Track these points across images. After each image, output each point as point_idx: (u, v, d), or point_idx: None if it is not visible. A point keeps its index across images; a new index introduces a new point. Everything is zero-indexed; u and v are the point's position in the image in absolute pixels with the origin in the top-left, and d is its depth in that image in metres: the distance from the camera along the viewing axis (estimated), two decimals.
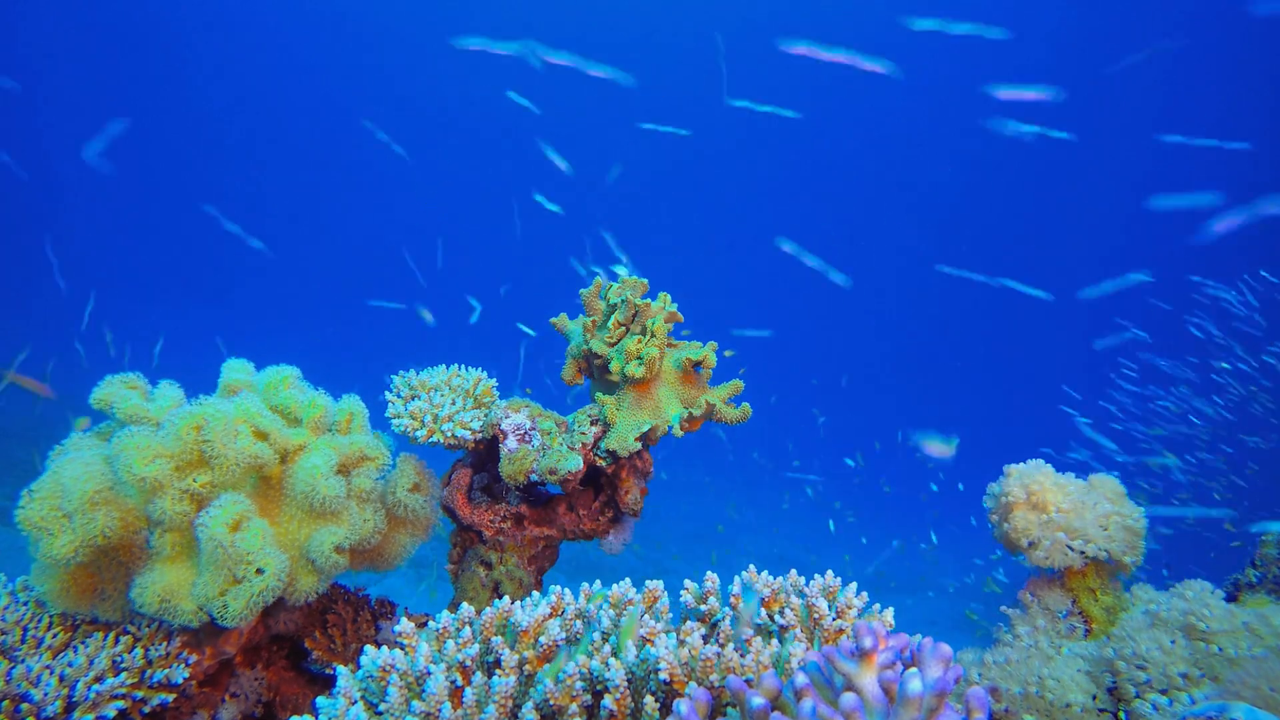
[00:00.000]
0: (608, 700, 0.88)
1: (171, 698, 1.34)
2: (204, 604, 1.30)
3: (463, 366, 1.83)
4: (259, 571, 1.31)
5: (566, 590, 1.17)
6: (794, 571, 1.19)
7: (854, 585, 1.13)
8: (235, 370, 1.59)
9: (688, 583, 1.17)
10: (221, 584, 1.30)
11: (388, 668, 0.97)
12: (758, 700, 0.69)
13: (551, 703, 0.89)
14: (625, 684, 0.89)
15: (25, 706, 1.20)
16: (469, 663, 0.98)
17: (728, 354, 1.82)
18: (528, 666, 1.00)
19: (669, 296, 1.80)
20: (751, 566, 1.19)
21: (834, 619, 1.07)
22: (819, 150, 19.66)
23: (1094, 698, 1.43)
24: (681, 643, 0.97)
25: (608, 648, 0.99)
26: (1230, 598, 1.75)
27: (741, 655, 0.94)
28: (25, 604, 1.41)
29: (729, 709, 0.83)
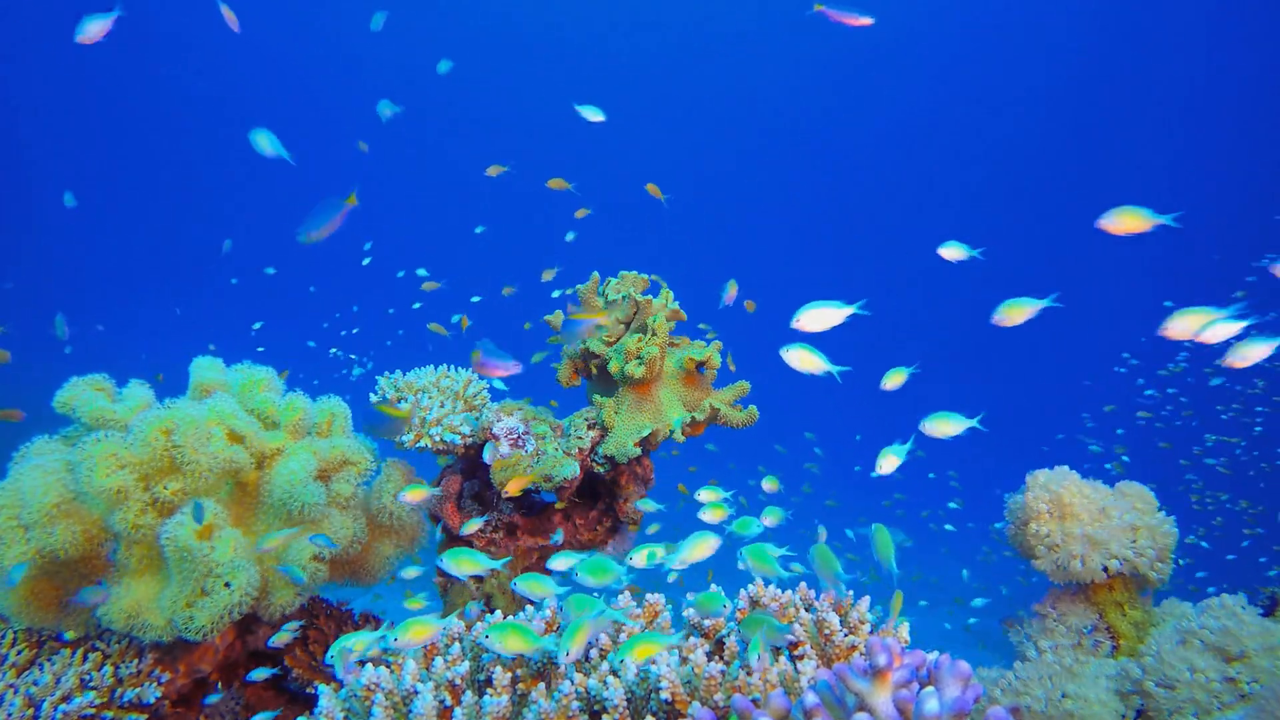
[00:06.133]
0: None
1: (143, 718, 1.34)
2: (170, 616, 1.31)
3: (452, 367, 1.83)
4: (226, 585, 1.31)
5: (561, 604, 1.18)
6: (803, 585, 1.20)
7: (866, 599, 1.14)
8: (206, 370, 1.59)
9: (691, 596, 1.17)
10: (189, 595, 1.31)
11: (372, 686, 0.98)
12: None
13: None
14: (624, 704, 0.89)
15: None
16: (459, 681, 0.98)
17: (731, 368, 1.84)
18: (521, 685, 1.00)
19: (671, 293, 1.81)
20: (759, 579, 1.19)
21: (845, 635, 1.07)
22: (835, 141, 19.66)
23: (1123, 718, 1.43)
24: (684, 660, 0.98)
25: (605, 665, 1.00)
26: (1267, 612, 1.76)
27: (748, 673, 0.95)
28: None
29: None
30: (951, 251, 1.62)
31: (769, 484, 1.69)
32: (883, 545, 1.17)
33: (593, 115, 2.41)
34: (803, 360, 1.36)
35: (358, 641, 1.07)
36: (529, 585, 1.15)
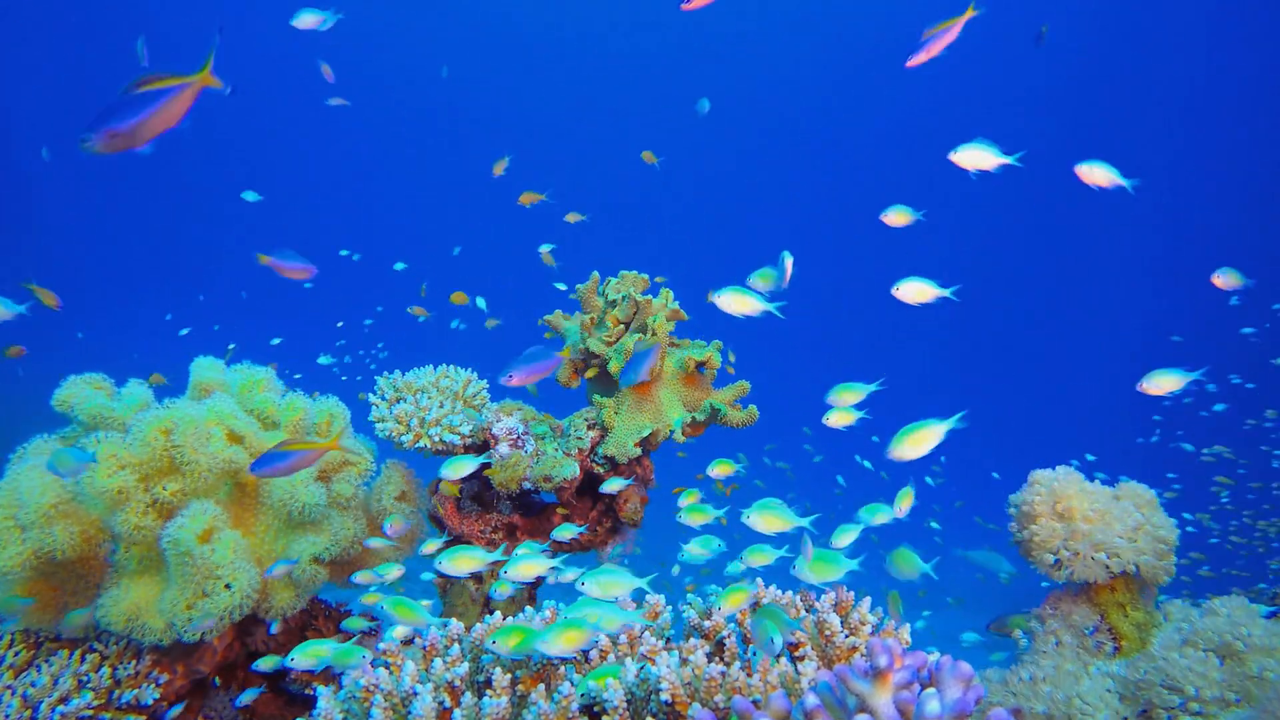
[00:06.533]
0: None
1: (141, 719, 1.34)
2: (170, 619, 1.31)
3: (451, 367, 1.83)
4: (226, 587, 1.31)
5: (561, 605, 1.18)
6: (804, 586, 1.20)
7: (868, 600, 1.14)
8: (206, 370, 1.59)
9: (691, 597, 1.17)
10: (189, 598, 1.31)
11: (371, 688, 0.98)
12: None
13: None
14: (624, 705, 0.89)
15: None
16: (458, 682, 0.98)
17: (730, 370, 1.83)
18: (520, 687, 1.00)
19: (671, 293, 1.81)
20: (759, 580, 1.19)
21: (846, 636, 1.07)
22: (841, 139, 19.64)
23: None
24: (684, 661, 0.98)
25: (605, 668, 1.00)
26: (1271, 614, 1.76)
27: (748, 674, 0.95)
28: None
29: None
30: (895, 216, 1.63)
31: (719, 469, 1.65)
32: (905, 565, 1.17)
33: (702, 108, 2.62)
34: (737, 303, 1.41)
35: (318, 649, 1.07)
36: (518, 569, 1.14)
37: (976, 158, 1.43)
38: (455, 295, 3.07)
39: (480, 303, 3.03)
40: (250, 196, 3.63)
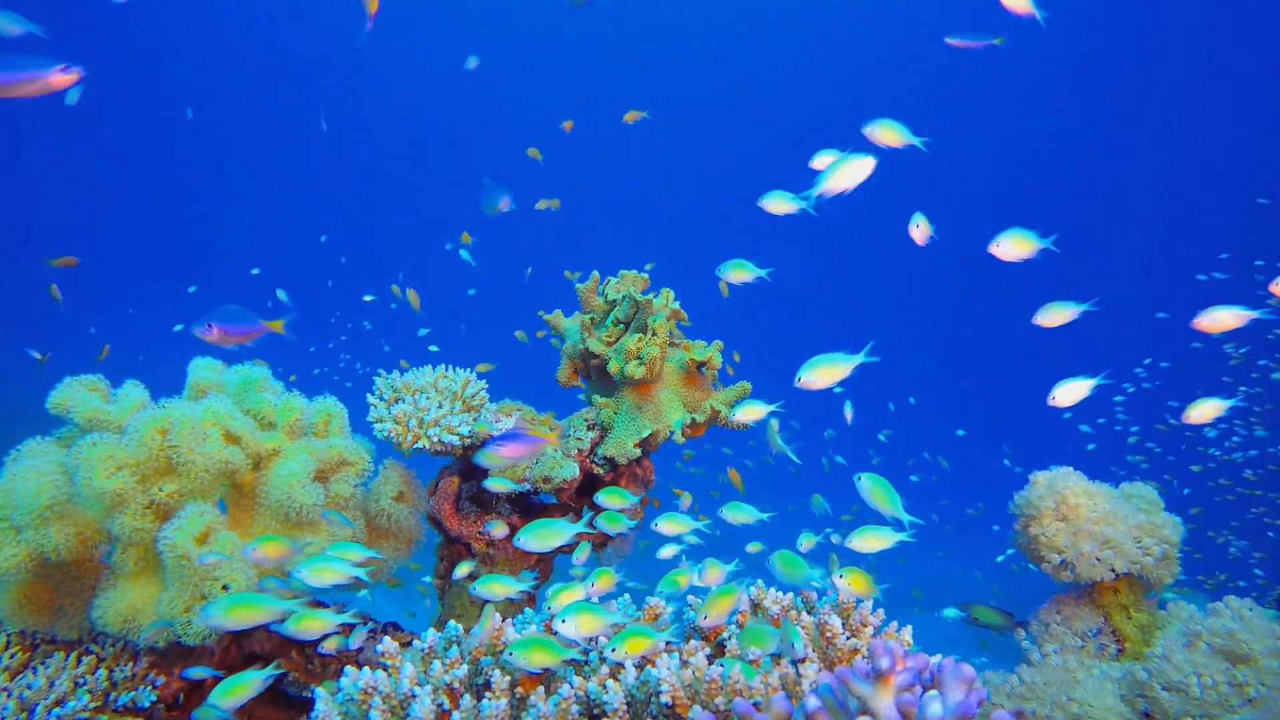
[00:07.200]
0: None
1: None
2: (167, 620, 1.30)
3: (450, 367, 1.82)
4: (224, 588, 1.31)
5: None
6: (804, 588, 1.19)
7: (869, 602, 1.13)
8: (203, 369, 1.59)
9: (691, 599, 1.17)
10: (187, 600, 1.30)
11: (369, 690, 0.97)
12: None
13: None
14: (624, 707, 0.88)
15: None
16: (457, 685, 0.98)
17: (731, 370, 1.84)
18: (520, 689, 1.00)
19: (672, 293, 1.80)
20: (760, 581, 1.19)
21: (848, 638, 1.07)
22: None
23: None
24: (685, 663, 0.97)
25: (605, 669, 0.99)
26: (1277, 616, 1.75)
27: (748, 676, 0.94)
28: None
29: None
30: (736, 274, 1.66)
31: (601, 582, 1.53)
32: (878, 495, 1.11)
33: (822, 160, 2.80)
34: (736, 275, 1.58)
35: (319, 619, 1.08)
36: (490, 588, 1.15)
37: (885, 135, 1.48)
38: (464, 236, 3.13)
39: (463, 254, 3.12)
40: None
